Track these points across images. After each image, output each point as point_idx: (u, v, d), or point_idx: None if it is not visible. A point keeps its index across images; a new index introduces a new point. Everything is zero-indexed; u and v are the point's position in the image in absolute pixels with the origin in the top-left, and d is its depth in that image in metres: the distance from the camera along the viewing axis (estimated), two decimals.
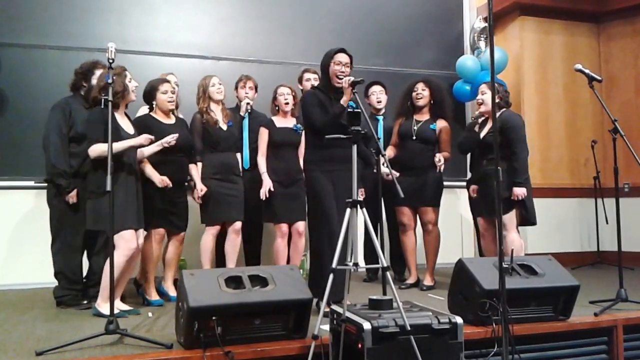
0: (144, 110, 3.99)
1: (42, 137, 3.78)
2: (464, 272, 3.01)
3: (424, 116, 4.46)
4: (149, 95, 3.83)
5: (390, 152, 4.47)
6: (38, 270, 4.37)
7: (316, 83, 4.40)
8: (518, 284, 2.97)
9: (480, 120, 4.23)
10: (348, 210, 2.52)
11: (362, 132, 2.58)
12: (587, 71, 3.67)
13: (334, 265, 2.44)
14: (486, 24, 5.93)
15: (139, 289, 3.96)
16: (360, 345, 2.36)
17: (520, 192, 3.90)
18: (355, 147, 2.58)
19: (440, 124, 4.44)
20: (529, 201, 4.00)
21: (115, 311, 2.84)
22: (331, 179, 3.44)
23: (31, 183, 4.74)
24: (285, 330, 2.68)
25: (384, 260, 2.52)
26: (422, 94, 4.43)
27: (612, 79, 6.28)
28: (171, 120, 3.88)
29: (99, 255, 3.79)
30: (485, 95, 4.07)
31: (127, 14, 5.22)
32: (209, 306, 2.48)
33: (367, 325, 2.35)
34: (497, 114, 3.91)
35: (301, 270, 4.33)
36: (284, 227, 4.23)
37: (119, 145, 3.27)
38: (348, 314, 2.50)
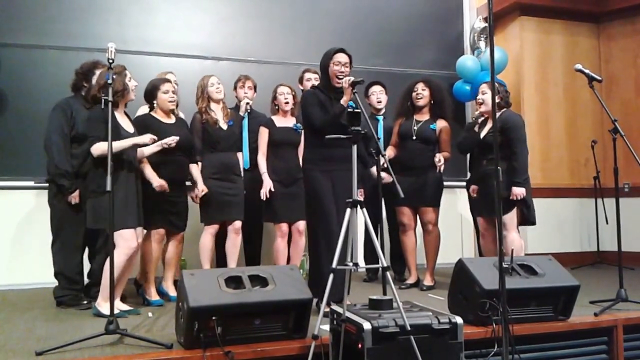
0: (143, 109, 3.99)
1: (44, 138, 3.78)
2: (464, 272, 3.01)
3: (424, 116, 4.46)
4: (150, 94, 3.83)
5: (390, 152, 4.47)
6: (38, 270, 4.37)
7: (317, 83, 4.39)
8: (518, 284, 2.97)
9: (480, 120, 4.23)
10: (348, 210, 2.52)
11: (362, 132, 2.57)
12: (587, 71, 3.67)
13: (334, 265, 2.44)
14: (486, 24, 5.93)
15: (139, 289, 3.96)
16: (360, 345, 2.36)
17: (519, 191, 3.90)
18: (355, 147, 2.58)
19: (440, 124, 4.44)
20: (530, 200, 4.00)
21: (115, 311, 2.84)
22: (330, 178, 3.43)
23: (31, 183, 4.75)
24: (285, 330, 2.68)
25: (384, 260, 2.52)
26: (422, 94, 4.43)
27: (612, 79, 6.27)
28: (171, 120, 3.88)
29: (100, 255, 3.79)
30: (486, 95, 4.07)
31: (126, 14, 5.21)
32: (209, 306, 2.48)
33: (367, 325, 2.35)
34: (497, 114, 3.91)
35: (301, 270, 4.33)
36: (284, 226, 4.23)
37: (122, 144, 3.28)
38: (348, 314, 2.50)
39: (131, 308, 3.47)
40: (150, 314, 3.41)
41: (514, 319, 2.76)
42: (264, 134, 4.30)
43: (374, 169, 4.06)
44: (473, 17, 6.28)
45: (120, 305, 3.39)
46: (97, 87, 3.38)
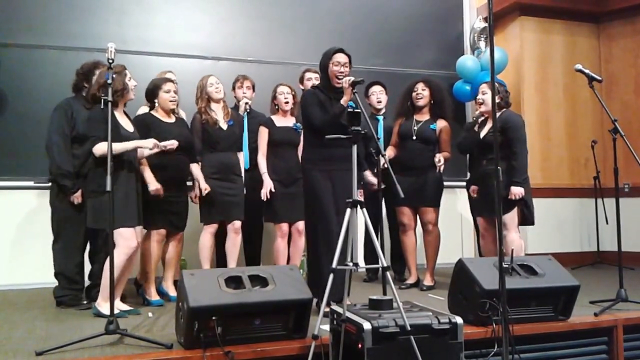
0: (144, 109, 4.00)
1: (45, 138, 3.79)
2: (464, 272, 3.01)
3: (424, 116, 4.46)
4: (152, 93, 3.84)
5: (390, 152, 4.47)
6: (38, 270, 4.37)
7: (317, 83, 4.39)
8: (518, 284, 2.97)
9: (480, 120, 4.23)
10: (348, 210, 2.52)
11: (362, 132, 2.57)
12: (587, 71, 3.67)
13: (334, 265, 2.44)
14: (486, 24, 5.93)
15: (139, 289, 3.96)
16: (360, 345, 2.36)
17: (517, 191, 3.90)
18: (355, 147, 2.58)
19: (441, 124, 4.44)
20: (530, 200, 4.00)
21: (115, 311, 2.84)
22: (330, 178, 3.43)
23: (31, 183, 4.75)
24: (285, 330, 2.68)
25: (384, 260, 2.52)
26: (422, 94, 4.43)
27: (612, 79, 6.27)
28: (171, 119, 3.88)
29: (100, 255, 3.79)
30: (486, 95, 4.07)
31: (126, 14, 5.21)
32: (209, 306, 2.48)
33: (367, 325, 2.35)
34: (497, 114, 3.91)
35: (301, 270, 4.33)
36: (285, 226, 4.23)
37: (125, 146, 3.30)
38: (348, 314, 2.50)
39: (131, 308, 3.47)
40: (150, 314, 3.41)
41: (514, 319, 2.76)
42: (263, 133, 4.29)
43: (367, 172, 4.05)
44: (473, 17, 6.28)
45: (120, 305, 3.39)
46: (97, 86, 3.39)
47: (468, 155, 4.60)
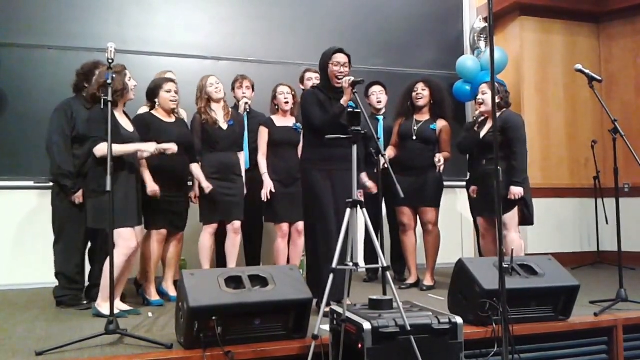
0: (144, 109, 3.99)
1: (46, 139, 3.79)
2: (464, 272, 3.01)
3: (424, 116, 4.46)
4: (153, 93, 3.84)
5: (390, 152, 4.47)
6: (38, 270, 4.38)
7: (317, 83, 4.39)
8: (518, 284, 2.97)
9: (480, 120, 4.23)
10: (348, 210, 2.52)
11: (362, 132, 2.57)
12: (587, 71, 3.67)
13: (334, 265, 2.44)
14: (486, 24, 5.93)
15: (139, 289, 3.96)
16: (360, 345, 2.36)
17: (516, 191, 3.90)
18: (355, 147, 2.58)
19: (441, 124, 4.44)
20: (530, 200, 4.00)
21: (115, 311, 2.84)
22: (330, 178, 3.42)
23: (31, 183, 4.75)
24: (285, 330, 2.68)
25: (384, 260, 2.52)
26: (422, 94, 4.43)
27: (612, 79, 6.27)
28: (171, 119, 3.88)
29: (100, 256, 3.79)
30: (486, 95, 4.07)
31: (126, 14, 5.21)
32: (209, 306, 2.48)
33: (367, 325, 2.35)
34: (497, 114, 3.91)
35: (301, 270, 4.33)
36: (285, 227, 4.23)
37: (126, 149, 3.30)
38: (348, 314, 2.50)
39: (131, 308, 3.47)
40: (150, 314, 3.41)
41: (514, 319, 2.76)
42: (263, 133, 4.29)
43: (363, 175, 4.03)
44: (473, 17, 6.28)
45: (120, 305, 3.39)
46: (97, 86, 3.38)
47: (468, 155, 4.60)
